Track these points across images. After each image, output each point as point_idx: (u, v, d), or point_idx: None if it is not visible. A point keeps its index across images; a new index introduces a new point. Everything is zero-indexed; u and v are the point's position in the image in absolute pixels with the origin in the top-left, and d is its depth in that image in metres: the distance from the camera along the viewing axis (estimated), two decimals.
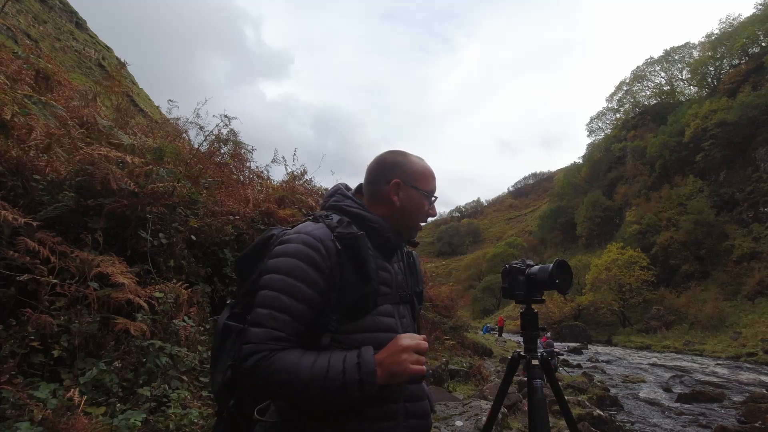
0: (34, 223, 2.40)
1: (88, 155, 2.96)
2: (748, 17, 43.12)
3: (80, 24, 15.56)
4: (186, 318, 3.03)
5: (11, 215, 2.29)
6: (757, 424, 7.37)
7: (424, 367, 1.01)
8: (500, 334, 27.25)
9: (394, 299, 1.14)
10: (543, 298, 1.69)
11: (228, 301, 1.18)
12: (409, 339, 1.02)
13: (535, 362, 1.64)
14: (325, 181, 8.57)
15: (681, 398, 10.01)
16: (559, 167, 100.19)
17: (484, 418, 3.42)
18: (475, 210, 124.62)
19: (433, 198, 1.23)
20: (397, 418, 1.06)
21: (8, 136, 2.77)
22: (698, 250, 32.96)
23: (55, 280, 2.38)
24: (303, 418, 1.01)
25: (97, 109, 4.07)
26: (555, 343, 15.17)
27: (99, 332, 2.48)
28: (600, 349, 25.65)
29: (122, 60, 6.56)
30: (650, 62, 58.09)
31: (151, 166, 3.38)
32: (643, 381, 13.09)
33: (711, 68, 46.40)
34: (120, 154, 3.19)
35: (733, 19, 45.56)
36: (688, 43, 54.31)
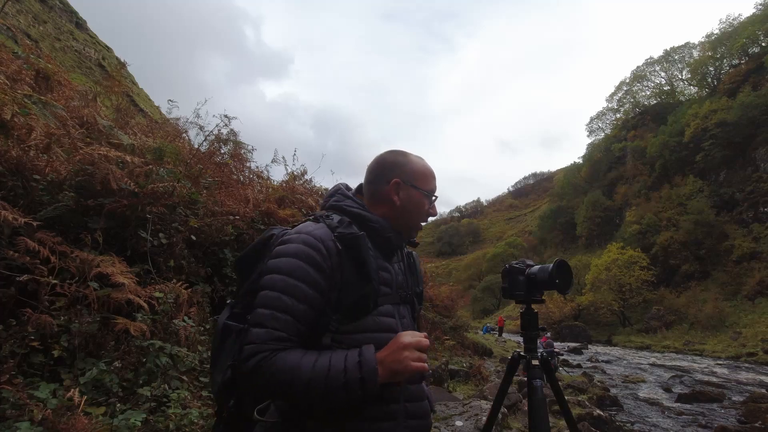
0: (34, 223, 2.40)
1: (88, 155, 2.96)
2: (748, 17, 43.15)
3: (80, 24, 15.57)
4: (186, 318, 3.03)
5: (11, 215, 2.29)
6: (757, 424, 7.37)
7: (425, 364, 1.01)
8: (500, 334, 27.25)
9: (395, 299, 1.14)
10: (543, 298, 1.69)
11: (228, 301, 1.18)
12: (410, 336, 1.02)
13: (535, 362, 1.64)
14: (325, 181, 8.58)
15: (681, 398, 10.01)
16: (559, 167, 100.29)
17: (484, 418, 3.42)
18: (475, 210, 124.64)
19: (434, 197, 1.23)
20: (398, 418, 1.06)
21: (8, 136, 2.77)
22: (698, 250, 32.96)
23: (55, 281, 2.38)
24: (303, 418, 1.00)
25: (97, 109, 4.07)
26: (555, 343, 15.17)
27: (99, 332, 2.48)
28: (600, 349, 25.65)
29: (122, 60, 6.56)
30: (650, 62, 58.11)
31: (151, 166, 3.38)
32: (643, 381, 13.09)
33: (711, 68, 46.40)
34: (120, 154, 3.19)
35: (733, 19, 45.61)
36: (688, 43, 54.35)
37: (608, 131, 62.33)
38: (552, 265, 1.60)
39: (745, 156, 34.39)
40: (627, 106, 60.41)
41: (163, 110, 9.91)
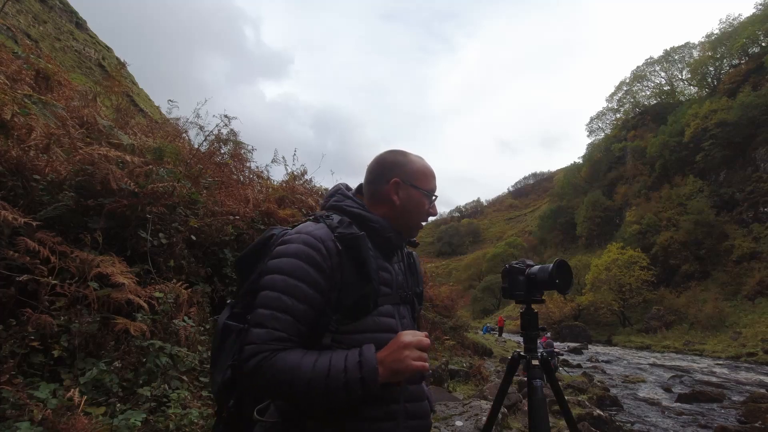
0: (34, 223, 2.40)
1: (88, 155, 2.96)
2: (748, 17, 43.16)
3: (80, 24, 15.57)
4: (186, 318, 3.03)
5: (11, 215, 2.29)
6: (757, 424, 7.37)
7: (426, 363, 1.01)
8: (500, 334, 27.25)
9: (395, 300, 1.14)
10: (543, 298, 1.69)
11: (228, 301, 1.18)
12: (410, 336, 1.02)
13: (535, 362, 1.64)
14: (325, 181, 8.58)
15: (681, 398, 10.01)
16: (559, 167, 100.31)
17: (484, 418, 3.42)
18: (475, 210, 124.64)
19: (434, 197, 1.23)
20: (397, 418, 1.06)
21: (8, 136, 2.77)
22: (698, 250, 32.96)
23: (55, 281, 2.38)
24: (303, 418, 1.00)
25: (97, 109, 4.07)
26: (555, 343, 15.17)
27: (99, 332, 2.48)
28: (600, 349, 25.66)
29: (122, 60, 6.56)
30: (650, 62, 58.12)
31: (151, 166, 3.38)
32: (643, 381, 13.09)
33: (711, 68, 46.41)
34: (120, 154, 3.19)
35: (733, 19, 45.63)
36: (688, 43, 54.37)
37: (608, 131, 62.36)
38: (552, 265, 1.60)
39: (745, 156, 34.39)
40: (627, 106, 60.43)
41: (163, 110, 9.91)
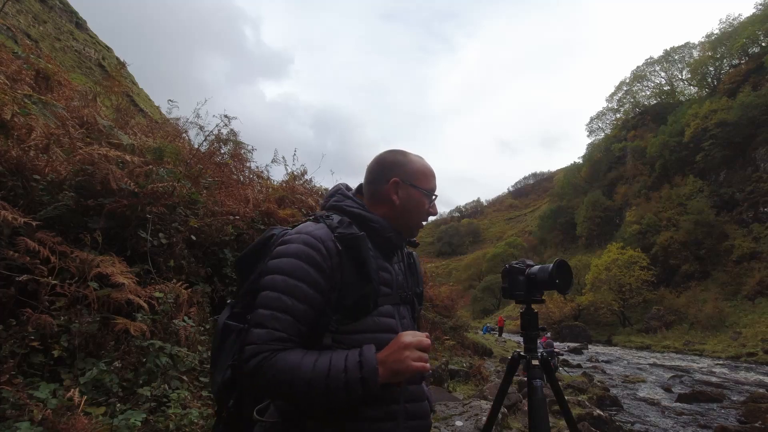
0: (34, 223, 2.40)
1: (88, 155, 2.96)
2: (748, 17, 43.17)
3: (80, 24, 15.57)
4: (186, 318, 3.03)
5: (11, 215, 2.29)
6: (757, 424, 7.37)
7: (427, 364, 1.00)
8: (500, 334, 27.26)
9: (395, 300, 1.14)
10: (543, 298, 1.69)
11: (228, 301, 1.18)
12: (411, 336, 1.02)
13: (535, 362, 1.64)
14: (325, 181, 8.58)
15: (681, 398, 10.02)
16: (559, 167, 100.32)
17: (484, 418, 3.42)
18: (475, 210, 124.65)
19: (434, 196, 1.23)
20: (397, 418, 1.06)
21: (8, 136, 2.77)
22: (698, 250, 32.96)
23: (55, 281, 2.38)
24: (303, 418, 1.01)
25: (97, 109, 4.07)
26: (555, 343, 15.17)
27: (99, 332, 2.48)
28: (600, 349, 25.67)
29: (122, 60, 6.56)
30: (650, 62, 58.13)
31: (151, 166, 3.38)
32: (643, 381, 13.09)
33: (711, 68, 46.41)
34: (120, 154, 3.19)
35: (733, 19, 45.65)
36: (688, 43, 54.39)
37: (608, 131, 62.37)
38: (552, 265, 1.60)
39: (745, 156, 34.39)
40: (627, 106, 60.45)
41: (163, 110, 9.91)
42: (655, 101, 57.00)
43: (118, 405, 2.27)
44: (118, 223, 3.01)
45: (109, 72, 7.16)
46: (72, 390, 2.10)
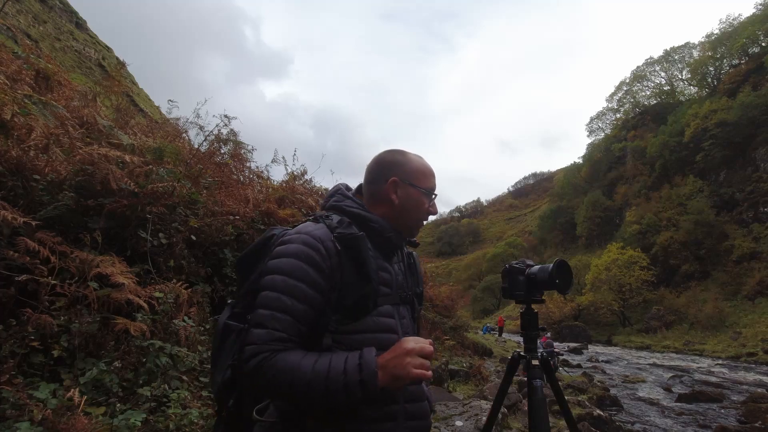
0: (34, 223, 2.40)
1: (88, 155, 2.96)
2: (748, 17, 43.17)
3: (80, 24, 15.57)
4: (186, 318, 3.03)
5: (11, 215, 2.29)
6: (757, 424, 7.37)
7: (429, 372, 1.00)
8: (500, 334, 27.26)
9: (394, 300, 1.14)
10: (543, 298, 1.69)
11: (228, 301, 1.18)
12: (413, 342, 1.01)
13: (535, 362, 1.64)
14: (325, 181, 8.59)
15: (681, 398, 10.01)
16: (559, 167, 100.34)
17: (484, 418, 3.42)
18: (475, 210, 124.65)
19: (433, 195, 1.23)
20: (397, 418, 1.06)
21: (8, 136, 2.77)
22: (698, 250, 32.97)
23: (55, 281, 2.38)
24: (302, 417, 1.01)
25: (97, 109, 4.07)
26: (555, 343, 15.17)
27: (99, 332, 2.48)
28: (600, 349, 25.66)
29: (122, 60, 6.56)
30: (650, 62, 58.14)
31: (151, 166, 3.38)
32: (643, 381, 13.09)
33: (711, 68, 46.42)
34: (120, 154, 3.19)
35: (733, 19, 45.65)
36: (688, 43, 54.40)
37: (608, 131, 62.38)
38: (552, 265, 1.60)
39: (745, 156, 34.39)
40: (627, 106, 60.45)
41: (163, 110, 9.90)
42: (655, 101, 57.01)
43: (118, 405, 2.27)
44: (118, 223, 3.01)
45: (109, 72, 7.17)
46: (72, 390, 2.10)
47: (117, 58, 13.67)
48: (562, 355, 17.65)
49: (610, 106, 63.24)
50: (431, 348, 1.03)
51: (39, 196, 2.70)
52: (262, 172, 6.18)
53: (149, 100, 15.33)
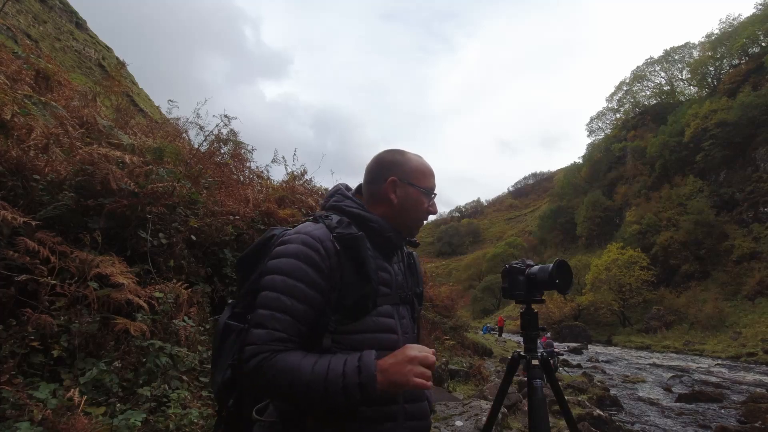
0: (34, 223, 2.40)
1: (88, 155, 2.96)
2: (748, 17, 43.18)
3: (80, 24, 15.57)
4: (186, 318, 3.03)
5: (11, 215, 2.29)
6: (757, 424, 7.37)
7: (429, 383, 0.99)
8: (500, 334, 27.27)
9: (394, 300, 1.14)
10: (543, 298, 1.69)
11: (229, 301, 1.18)
12: (417, 350, 1.00)
13: (535, 362, 1.64)
14: (325, 181, 8.59)
15: (681, 398, 10.01)
16: (559, 167, 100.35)
17: (484, 418, 3.42)
18: (475, 210, 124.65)
19: (433, 195, 1.23)
20: (397, 419, 1.06)
21: (8, 136, 2.77)
22: (698, 250, 32.97)
23: (55, 281, 2.38)
24: (302, 417, 1.01)
25: (97, 109, 4.07)
26: (555, 343, 15.17)
27: (99, 332, 2.48)
28: (600, 349, 25.66)
29: (122, 60, 6.56)
30: (650, 62, 58.15)
31: (151, 166, 3.38)
32: (643, 381, 13.09)
33: (711, 68, 46.43)
34: (120, 154, 3.19)
35: (733, 19, 45.66)
36: (688, 43, 54.41)
37: (608, 131, 62.39)
38: (552, 265, 1.60)
39: (745, 156, 34.39)
40: (627, 106, 60.47)
41: (163, 110, 9.90)
42: (655, 101, 57.02)
43: (118, 405, 2.27)
44: (118, 223, 3.01)
45: (109, 72, 7.17)
46: (72, 390, 2.10)
47: (117, 58, 13.67)
48: (562, 355, 17.64)
49: (610, 106, 63.34)
50: (434, 358, 1.02)
51: (39, 196, 2.70)
52: (262, 172, 6.19)
53: (149, 100, 15.33)
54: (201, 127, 5.25)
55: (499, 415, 4.09)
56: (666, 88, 56.96)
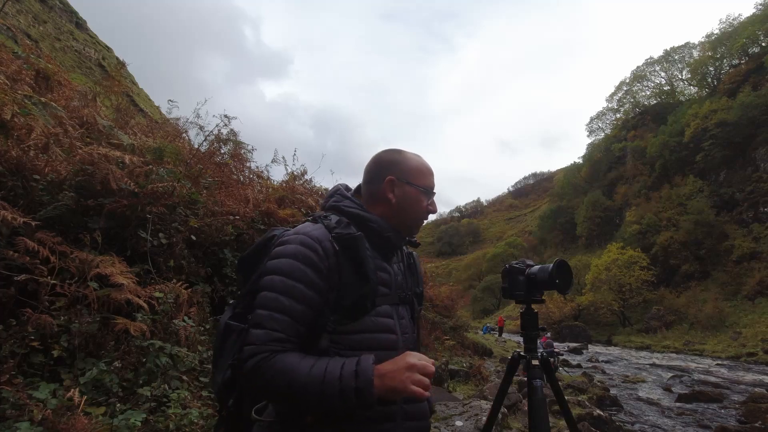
0: (34, 223, 2.40)
1: (88, 155, 2.96)
2: (748, 17, 43.18)
3: (80, 24, 15.58)
4: (186, 318, 3.03)
5: (11, 215, 2.29)
6: (757, 424, 7.37)
7: (427, 392, 0.98)
8: (500, 334, 27.27)
9: (393, 300, 1.14)
10: (543, 298, 1.69)
11: (230, 301, 1.18)
12: (417, 358, 1.00)
13: (535, 362, 1.64)
14: (325, 181, 8.58)
15: (681, 398, 10.01)
16: (559, 167, 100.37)
17: (484, 418, 3.42)
18: (475, 210, 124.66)
19: (432, 194, 1.22)
20: (396, 419, 1.06)
21: (8, 136, 2.77)
22: (698, 250, 32.97)
23: (55, 281, 2.38)
24: (301, 417, 1.01)
25: (97, 109, 4.07)
26: (555, 343, 15.18)
27: (99, 332, 2.48)
28: (600, 349, 25.66)
29: (122, 60, 6.56)
30: (650, 62, 58.16)
31: (151, 166, 3.38)
32: (643, 381, 13.08)
33: (711, 68, 46.43)
34: (120, 154, 3.19)
35: (733, 19, 45.67)
36: (688, 43, 54.42)
37: (608, 131, 62.40)
38: (552, 265, 1.60)
39: (745, 156, 34.39)
40: (627, 106, 60.48)
41: (163, 110, 9.90)
42: (655, 101, 57.03)
43: (118, 405, 2.27)
44: (118, 223, 3.01)
45: (109, 72, 7.17)
46: (72, 390, 2.10)
47: (117, 58, 13.68)
48: (562, 355, 17.64)
49: (610, 106, 63.35)
50: (433, 369, 1.02)
51: (39, 196, 2.70)
52: (262, 172, 6.18)
53: (149, 100, 15.33)
54: (201, 127, 5.26)
55: (499, 415, 4.09)
56: (666, 88, 56.98)
